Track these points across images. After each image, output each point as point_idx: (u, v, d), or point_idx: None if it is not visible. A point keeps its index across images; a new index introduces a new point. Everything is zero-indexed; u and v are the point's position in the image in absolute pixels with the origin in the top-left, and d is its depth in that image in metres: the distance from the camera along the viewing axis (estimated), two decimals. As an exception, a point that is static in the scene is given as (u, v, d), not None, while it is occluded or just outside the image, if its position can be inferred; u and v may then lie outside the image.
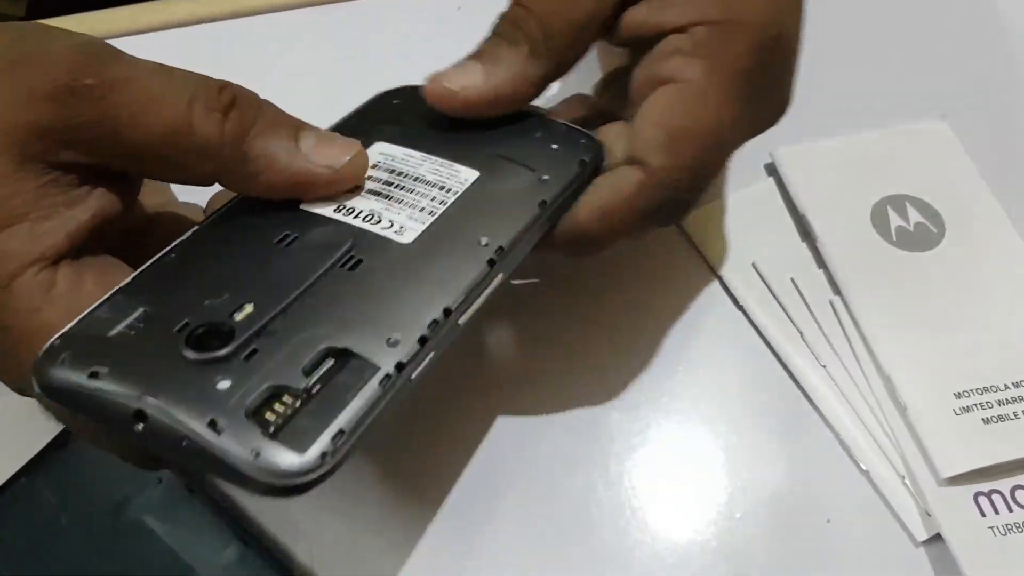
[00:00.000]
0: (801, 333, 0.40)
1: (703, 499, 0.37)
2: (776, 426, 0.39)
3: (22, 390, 0.29)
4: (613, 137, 0.34)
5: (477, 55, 0.34)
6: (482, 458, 0.38)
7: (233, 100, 0.29)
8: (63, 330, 0.27)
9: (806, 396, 0.39)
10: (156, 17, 0.48)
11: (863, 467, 0.38)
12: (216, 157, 0.29)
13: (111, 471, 0.36)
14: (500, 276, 0.30)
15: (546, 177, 0.33)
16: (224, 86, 0.29)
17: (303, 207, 0.31)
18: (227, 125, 0.29)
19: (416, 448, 0.38)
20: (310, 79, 0.47)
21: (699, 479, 0.38)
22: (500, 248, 0.30)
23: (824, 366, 0.39)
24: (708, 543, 0.37)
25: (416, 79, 0.34)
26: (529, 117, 0.35)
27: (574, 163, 0.33)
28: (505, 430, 0.39)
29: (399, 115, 0.35)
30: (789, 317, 0.40)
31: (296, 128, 0.30)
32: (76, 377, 0.25)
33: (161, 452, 0.25)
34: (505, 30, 0.34)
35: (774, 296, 0.41)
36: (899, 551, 0.36)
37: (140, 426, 0.25)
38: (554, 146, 0.34)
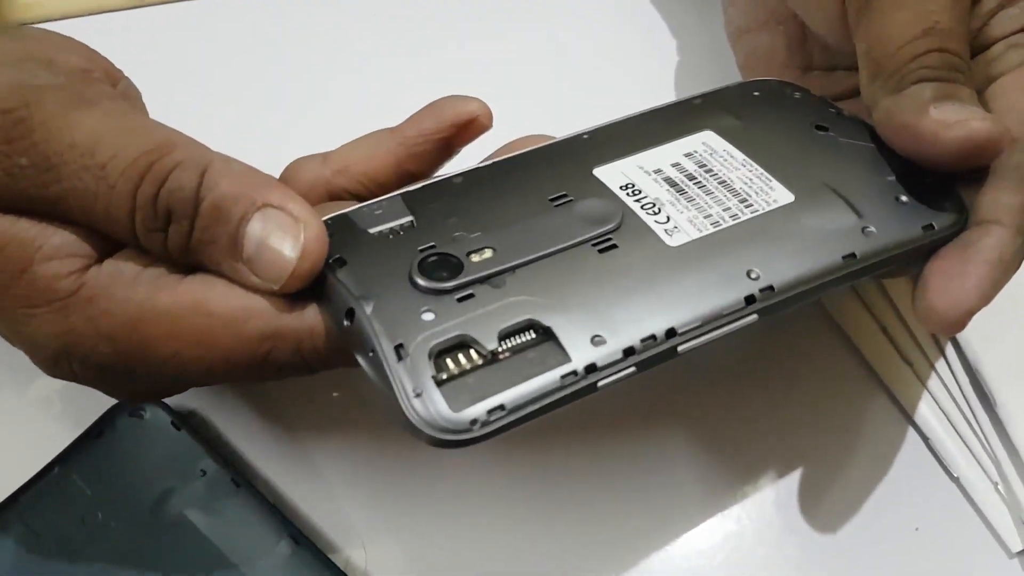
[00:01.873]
0: (883, 327, 0.38)
1: (782, 505, 0.35)
2: (861, 429, 0.37)
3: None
4: None
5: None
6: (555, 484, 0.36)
7: (169, 212, 0.26)
8: (337, 212, 0.28)
9: (891, 397, 0.37)
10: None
11: (954, 473, 0.35)
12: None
13: (150, 462, 0.34)
14: (752, 318, 0.27)
15: (871, 229, 0.28)
16: (160, 185, 0.26)
17: (595, 172, 0.29)
18: (169, 242, 0.27)
19: (492, 457, 0.36)
20: (349, 43, 0.44)
21: (780, 484, 0.36)
22: (768, 288, 0.27)
23: (910, 363, 0.37)
24: (793, 550, 0.34)
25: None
26: (895, 155, 0.30)
27: (916, 225, 0.29)
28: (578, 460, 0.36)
29: (749, 108, 0.32)
30: (870, 311, 0.38)
31: (236, 228, 0.26)
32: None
33: (355, 354, 0.26)
34: None
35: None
36: (992, 562, 0.35)
37: (347, 323, 0.26)
38: (902, 198, 0.29)
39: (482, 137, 0.31)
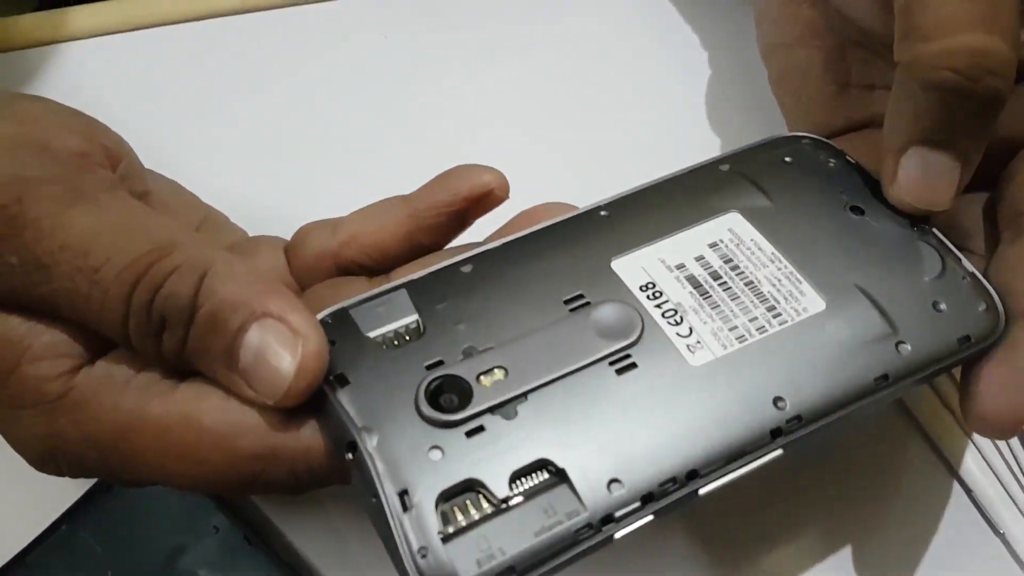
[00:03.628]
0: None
1: (820, 558, 0.34)
2: (903, 480, 0.35)
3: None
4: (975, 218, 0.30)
5: None
6: None
7: (163, 319, 0.25)
8: (337, 307, 0.26)
9: (934, 447, 0.35)
10: (201, 5, 0.44)
11: (999, 529, 0.34)
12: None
13: (162, 518, 0.33)
14: (777, 452, 0.25)
15: (906, 346, 0.26)
16: (155, 291, 0.25)
17: (613, 265, 0.27)
18: (163, 348, 0.25)
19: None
20: (363, 70, 0.43)
21: (819, 535, 0.34)
22: (796, 418, 0.25)
23: (952, 411, 0.35)
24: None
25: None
26: (928, 245, 0.28)
27: (952, 337, 0.27)
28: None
29: (780, 181, 0.29)
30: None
31: (232, 338, 0.25)
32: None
33: (357, 490, 0.24)
34: None
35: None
36: (1037, 620, 0.33)
37: (349, 456, 0.24)
38: (940, 305, 0.27)
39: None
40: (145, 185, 0.30)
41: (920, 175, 0.28)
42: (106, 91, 0.41)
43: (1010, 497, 0.34)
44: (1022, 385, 0.26)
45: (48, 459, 0.26)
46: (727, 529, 0.34)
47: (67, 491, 0.33)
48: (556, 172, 0.38)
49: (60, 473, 0.27)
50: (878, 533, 0.34)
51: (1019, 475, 0.34)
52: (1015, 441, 0.35)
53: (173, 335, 0.25)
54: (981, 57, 0.27)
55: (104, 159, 0.28)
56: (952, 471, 0.35)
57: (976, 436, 0.35)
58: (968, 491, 0.35)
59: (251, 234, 0.34)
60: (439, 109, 0.42)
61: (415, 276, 0.27)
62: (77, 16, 0.43)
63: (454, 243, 0.31)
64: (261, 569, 0.32)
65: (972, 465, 0.35)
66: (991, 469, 0.35)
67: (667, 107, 0.42)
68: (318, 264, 0.30)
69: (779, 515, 0.34)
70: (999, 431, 0.27)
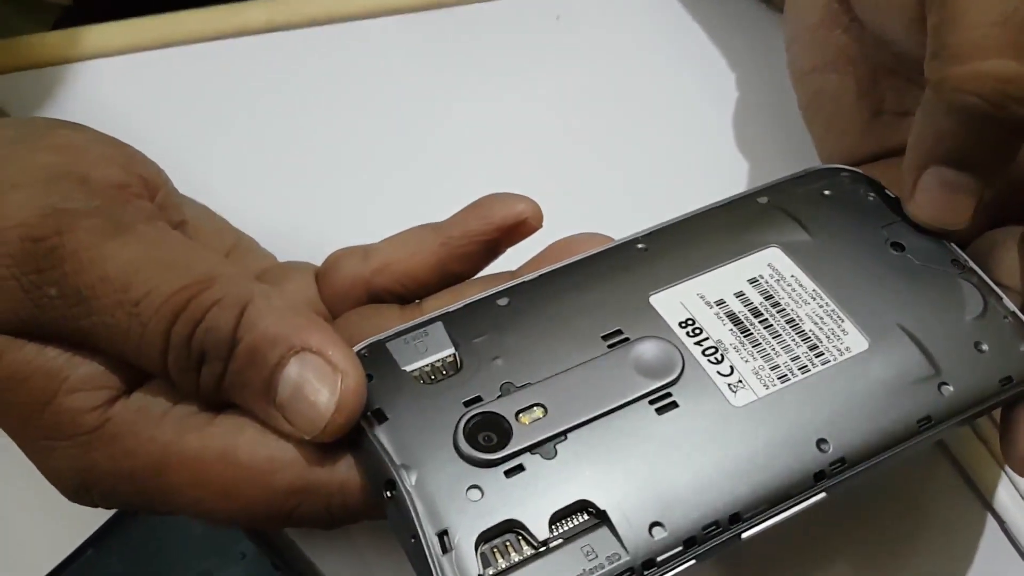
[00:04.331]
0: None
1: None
2: (934, 511, 0.35)
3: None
4: (1012, 252, 0.29)
5: None
6: None
7: (203, 353, 0.25)
8: (373, 340, 0.26)
9: (967, 478, 0.35)
10: (229, 22, 0.44)
11: (1033, 561, 0.34)
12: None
13: (189, 543, 0.32)
14: (821, 496, 0.25)
15: (948, 387, 0.26)
16: (195, 325, 0.24)
17: (652, 299, 0.27)
18: (201, 381, 0.25)
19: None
20: (392, 90, 0.43)
21: (851, 567, 0.34)
22: (839, 461, 0.25)
23: (985, 441, 0.35)
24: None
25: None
26: (969, 283, 0.28)
27: (994, 379, 0.26)
28: None
29: (819, 215, 0.29)
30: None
31: (271, 372, 0.24)
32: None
33: (394, 528, 0.24)
34: None
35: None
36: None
37: (388, 494, 0.24)
38: (982, 345, 0.27)
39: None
40: (182, 214, 0.30)
41: (938, 193, 0.28)
42: (131, 109, 0.41)
43: (1043, 529, 0.34)
44: None
45: (82, 491, 0.26)
46: (759, 558, 0.34)
47: (94, 516, 0.32)
48: (587, 198, 0.38)
49: (94, 504, 0.27)
50: (911, 563, 0.34)
51: (1052, 506, 0.34)
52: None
53: (212, 369, 0.25)
54: (1008, 84, 0.27)
55: (142, 189, 0.28)
56: (985, 502, 0.35)
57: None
58: (1001, 523, 0.34)
59: (279, 257, 0.34)
60: (470, 134, 0.42)
61: (451, 308, 0.27)
62: (101, 34, 0.43)
63: (485, 271, 0.30)
64: (289, 596, 0.32)
65: (1005, 495, 0.34)
66: (1022, 498, 0.34)
67: (696, 133, 0.42)
68: (350, 291, 0.30)
69: (811, 546, 0.34)
70: None
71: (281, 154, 0.41)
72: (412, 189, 0.39)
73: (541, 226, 0.29)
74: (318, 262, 0.32)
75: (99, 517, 0.32)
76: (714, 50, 0.44)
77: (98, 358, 0.26)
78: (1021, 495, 0.34)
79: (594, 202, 0.39)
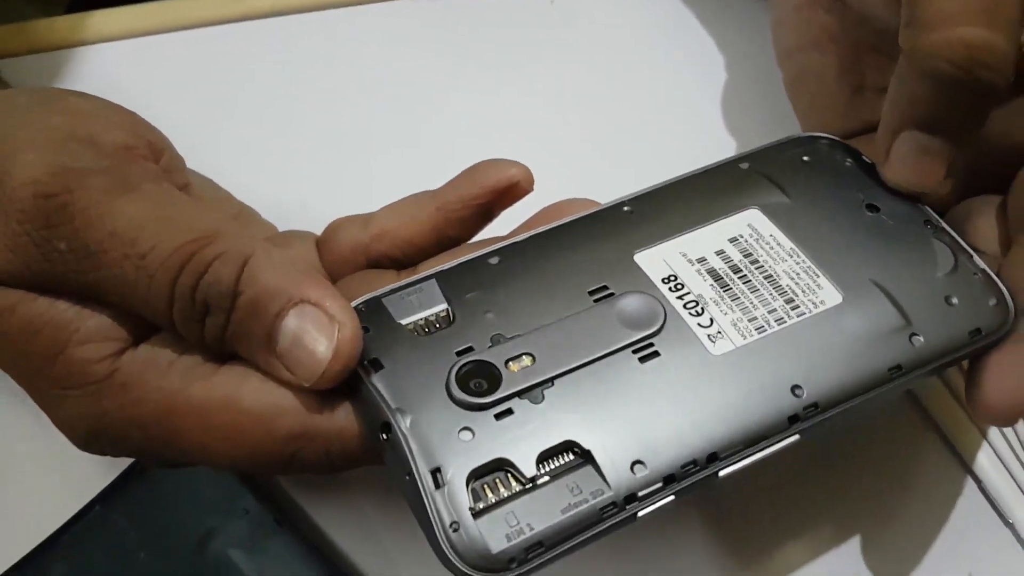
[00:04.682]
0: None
1: (832, 547, 0.34)
2: (913, 472, 0.36)
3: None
4: (988, 219, 0.31)
5: None
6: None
7: (206, 304, 0.26)
8: (370, 296, 0.27)
9: (945, 439, 0.36)
10: (233, 8, 0.45)
11: (1008, 519, 0.35)
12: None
13: (194, 501, 0.34)
14: (794, 438, 0.26)
15: (919, 337, 0.27)
16: (199, 277, 0.26)
17: (636, 258, 0.28)
18: (205, 332, 0.26)
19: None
20: (391, 73, 0.44)
21: (831, 528, 0.35)
22: (812, 406, 0.26)
23: (962, 404, 0.36)
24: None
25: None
26: (940, 242, 0.29)
27: (964, 330, 0.28)
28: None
29: (797, 179, 0.30)
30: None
31: (271, 323, 0.26)
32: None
33: (391, 470, 0.25)
34: None
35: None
36: (1046, 609, 0.34)
37: (384, 436, 0.25)
38: (952, 299, 0.28)
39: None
40: (186, 178, 0.31)
41: (911, 156, 0.30)
42: (138, 92, 0.41)
43: (1020, 489, 0.35)
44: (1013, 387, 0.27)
45: (93, 439, 0.27)
46: (743, 517, 0.35)
47: (101, 474, 0.34)
48: (577, 171, 0.39)
49: (104, 453, 0.28)
50: (890, 523, 0.35)
51: (1028, 468, 0.35)
52: (1024, 434, 0.36)
53: (215, 320, 0.26)
54: (978, 51, 0.28)
55: (148, 152, 0.29)
56: (963, 464, 0.36)
57: (989, 429, 0.36)
58: (979, 482, 0.35)
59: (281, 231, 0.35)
60: (465, 109, 0.43)
61: (444, 267, 0.28)
62: (108, 18, 0.44)
63: (479, 236, 0.32)
64: (290, 550, 0.33)
65: (983, 457, 0.35)
66: (1001, 461, 0.35)
67: (685, 110, 0.43)
68: (350, 257, 0.31)
69: (792, 506, 0.35)
70: (1002, 418, 0.28)
71: (283, 135, 0.42)
72: (410, 167, 0.40)
73: (532, 189, 0.30)
74: (319, 233, 0.33)
75: (106, 476, 0.34)
76: (703, 32, 0.46)
77: (107, 311, 0.27)
78: (999, 456, 0.35)
79: (584, 175, 0.40)
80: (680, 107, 0.43)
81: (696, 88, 0.44)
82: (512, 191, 0.30)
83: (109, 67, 0.43)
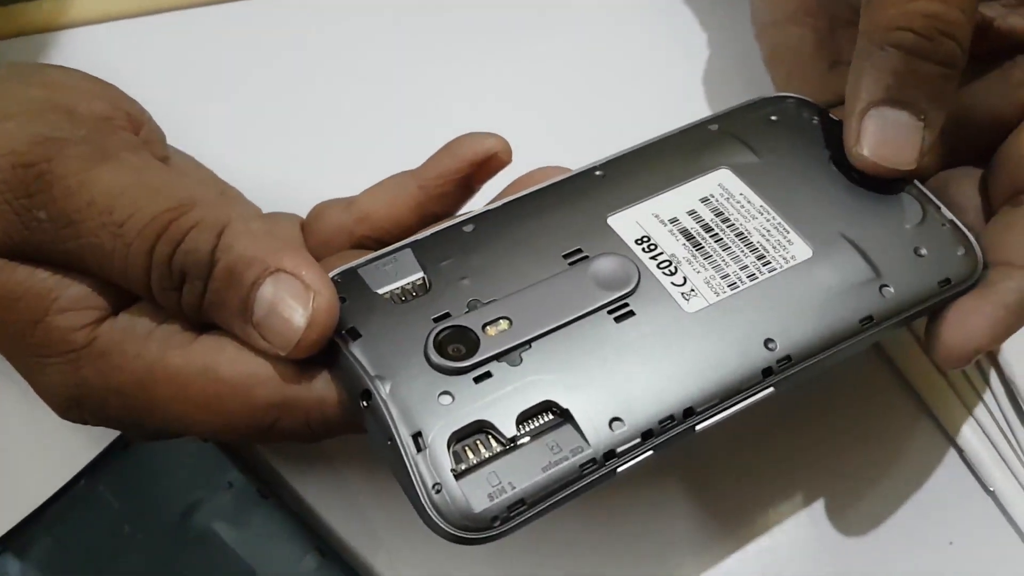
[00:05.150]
0: (919, 338, 0.37)
1: (814, 517, 0.35)
2: (895, 442, 0.36)
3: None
4: (967, 190, 0.31)
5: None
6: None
7: (183, 273, 0.26)
8: (346, 266, 0.27)
9: (927, 410, 0.36)
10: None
11: (989, 487, 0.35)
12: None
13: (178, 474, 0.34)
14: (769, 391, 0.26)
15: (889, 288, 0.28)
16: (176, 245, 0.26)
17: (609, 220, 0.28)
18: (183, 301, 0.26)
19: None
20: (373, 53, 0.44)
21: (814, 498, 0.35)
22: (786, 359, 0.26)
23: (945, 375, 0.36)
24: (826, 566, 0.34)
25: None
26: (908, 195, 0.30)
27: (933, 280, 0.28)
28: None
29: (766, 138, 0.31)
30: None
31: (247, 291, 0.26)
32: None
33: (372, 437, 0.25)
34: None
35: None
36: (1027, 576, 0.34)
37: (364, 404, 0.25)
38: (921, 250, 0.29)
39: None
40: (165, 152, 0.31)
41: (882, 133, 0.29)
42: (121, 74, 0.42)
43: (1001, 457, 0.35)
44: (982, 319, 0.28)
45: (73, 407, 0.27)
46: (724, 489, 0.35)
47: (86, 448, 0.34)
48: (558, 143, 0.39)
49: (84, 421, 0.28)
50: (872, 493, 0.35)
51: (1010, 436, 0.35)
52: (1007, 403, 0.36)
53: (192, 288, 0.26)
54: (935, 19, 0.29)
55: (127, 123, 0.29)
56: (945, 433, 0.36)
57: (968, 398, 0.36)
58: (960, 451, 0.36)
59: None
60: (445, 88, 0.43)
61: (419, 236, 0.28)
62: (90, 2, 0.44)
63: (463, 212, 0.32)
64: (274, 522, 0.33)
65: (965, 427, 0.36)
66: (982, 429, 0.36)
67: (665, 85, 0.43)
68: (333, 240, 0.31)
69: (776, 478, 0.35)
70: (949, 358, 0.28)
71: (265, 116, 0.42)
72: (390, 144, 0.40)
73: (510, 161, 0.31)
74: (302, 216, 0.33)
75: (91, 450, 0.34)
76: (684, 7, 0.46)
77: (87, 280, 0.27)
78: (981, 426, 0.36)
79: (565, 147, 0.39)
80: (661, 82, 0.43)
81: (677, 62, 0.44)
82: (490, 163, 0.30)
83: (92, 49, 0.44)
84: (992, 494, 0.35)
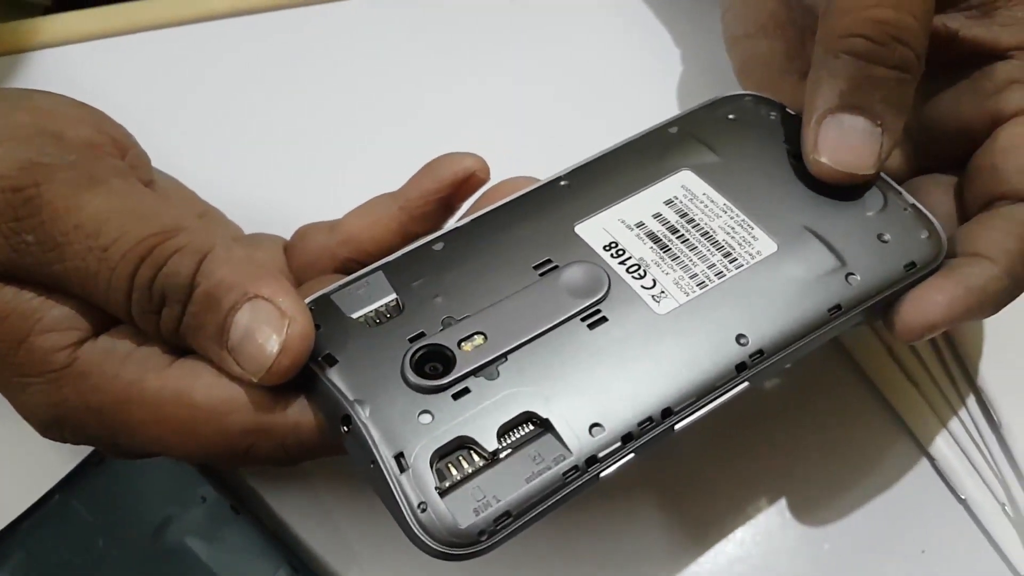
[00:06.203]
0: (889, 347, 0.37)
1: (787, 527, 0.35)
2: (867, 451, 0.36)
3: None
4: (939, 197, 0.31)
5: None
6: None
7: (163, 296, 0.26)
8: (318, 294, 0.27)
9: (897, 419, 0.36)
10: (195, 8, 0.45)
11: (961, 495, 0.35)
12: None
13: (151, 489, 0.34)
14: (744, 385, 0.27)
15: (855, 276, 0.28)
16: (158, 269, 0.26)
17: (577, 229, 0.29)
18: (161, 324, 0.27)
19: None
20: (353, 71, 0.44)
21: (786, 506, 0.35)
22: (758, 353, 0.27)
23: (916, 384, 0.37)
24: (799, 574, 0.34)
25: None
26: (873, 185, 0.30)
27: (898, 264, 0.29)
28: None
29: (725, 137, 0.31)
30: (875, 332, 0.38)
31: (224, 316, 0.26)
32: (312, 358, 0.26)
33: (355, 460, 0.25)
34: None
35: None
36: (999, 585, 0.34)
37: (345, 429, 0.25)
38: (884, 236, 0.29)
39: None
40: (151, 175, 0.32)
41: (839, 139, 0.30)
42: (103, 93, 0.42)
43: (972, 466, 0.35)
44: (941, 296, 0.28)
45: (52, 426, 0.28)
46: (697, 498, 0.35)
47: (60, 462, 0.34)
48: (535, 159, 0.40)
49: (64, 440, 0.28)
50: (844, 502, 0.35)
51: (981, 446, 0.35)
52: (978, 413, 0.36)
53: (171, 312, 0.26)
54: (889, 26, 0.29)
55: (113, 149, 0.30)
56: (917, 442, 0.36)
57: (938, 406, 0.36)
58: (932, 460, 0.36)
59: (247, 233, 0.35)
60: (424, 103, 0.43)
61: (390, 258, 0.29)
62: (72, 21, 0.45)
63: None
64: (247, 537, 0.33)
65: (938, 438, 0.36)
66: (954, 439, 0.36)
67: (640, 96, 0.44)
68: (316, 262, 0.32)
69: (747, 485, 0.35)
70: (902, 330, 0.28)
71: (247, 134, 0.42)
72: (373, 165, 0.40)
73: (489, 179, 0.31)
74: (285, 237, 0.33)
75: (65, 465, 0.34)
76: (656, 22, 0.46)
77: (70, 302, 0.27)
78: (952, 436, 0.36)
79: (542, 162, 0.40)
80: (635, 93, 0.44)
81: (650, 76, 0.44)
82: (469, 182, 0.31)
83: (73, 69, 0.44)
84: (964, 503, 0.35)
